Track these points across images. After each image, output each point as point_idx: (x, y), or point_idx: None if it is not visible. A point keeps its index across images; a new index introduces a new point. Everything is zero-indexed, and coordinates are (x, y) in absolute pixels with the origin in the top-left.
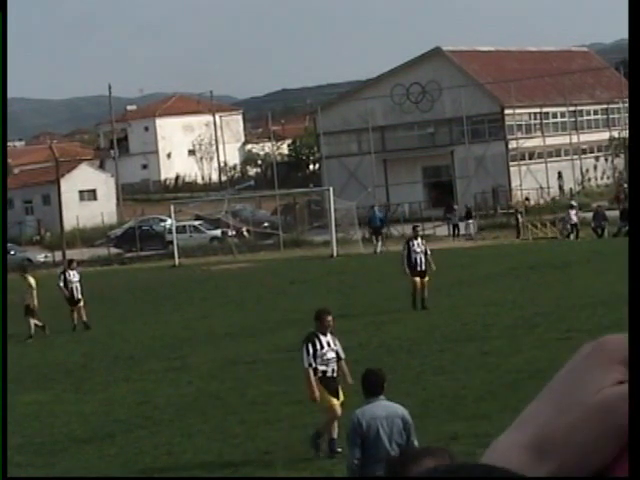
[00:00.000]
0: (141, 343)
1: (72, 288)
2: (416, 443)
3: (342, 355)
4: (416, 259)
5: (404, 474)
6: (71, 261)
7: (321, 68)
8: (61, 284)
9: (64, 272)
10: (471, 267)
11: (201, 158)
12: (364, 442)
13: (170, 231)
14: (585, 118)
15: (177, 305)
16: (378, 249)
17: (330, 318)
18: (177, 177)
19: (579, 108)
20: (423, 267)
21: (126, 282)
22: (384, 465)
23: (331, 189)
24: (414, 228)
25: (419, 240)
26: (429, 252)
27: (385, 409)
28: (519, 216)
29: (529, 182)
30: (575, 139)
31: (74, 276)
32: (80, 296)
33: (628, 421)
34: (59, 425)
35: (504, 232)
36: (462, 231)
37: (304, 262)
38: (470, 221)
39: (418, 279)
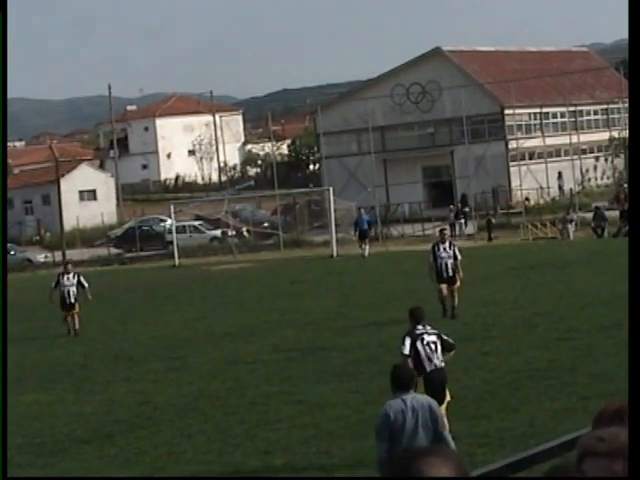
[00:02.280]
0: (141, 343)
1: (64, 292)
2: (446, 434)
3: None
4: (442, 265)
5: (409, 471)
6: (66, 264)
7: (321, 68)
8: (52, 285)
9: (60, 274)
10: (471, 267)
11: (201, 158)
12: (391, 434)
13: (170, 231)
14: (585, 118)
15: (177, 305)
16: (366, 253)
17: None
18: (177, 177)
19: (579, 108)
20: (450, 273)
21: (126, 282)
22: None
23: (331, 189)
24: (441, 231)
25: (446, 244)
26: (459, 257)
27: (411, 401)
28: (492, 219)
29: (529, 182)
30: (575, 139)
31: (67, 280)
32: (73, 301)
33: (628, 422)
34: (59, 425)
35: (504, 232)
36: (456, 232)
37: (304, 262)
38: (461, 221)
39: (444, 286)
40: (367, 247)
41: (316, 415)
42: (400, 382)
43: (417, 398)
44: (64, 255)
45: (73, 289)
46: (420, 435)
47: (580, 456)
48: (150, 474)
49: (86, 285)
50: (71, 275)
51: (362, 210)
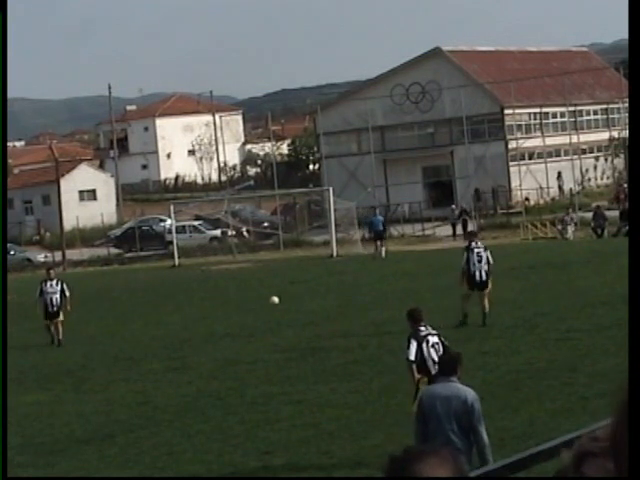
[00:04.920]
0: (141, 343)
1: (47, 300)
2: (481, 430)
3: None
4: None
5: (406, 472)
6: (48, 270)
7: (321, 68)
8: (37, 294)
9: (43, 281)
10: None
11: (201, 158)
12: (424, 417)
13: (170, 231)
14: (585, 118)
15: (177, 305)
16: (383, 254)
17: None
18: (177, 177)
19: (579, 108)
20: (484, 277)
21: (126, 282)
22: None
23: (331, 189)
24: (469, 234)
25: (481, 247)
26: (492, 261)
27: (447, 389)
28: (468, 219)
29: (529, 182)
30: (575, 139)
31: (51, 287)
32: (55, 309)
33: (628, 422)
34: (59, 425)
35: (504, 232)
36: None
37: (304, 262)
38: (466, 219)
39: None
40: (383, 248)
41: (316, 415)
42: (442, 368)
43: (456, 387)
44: (64, 255)
45: (56, 297)
46: (452, 423)
47: (579, 458)
48: (150, 474)
49: (67, 294)
50: (54, 282)
51: (377, 210)
